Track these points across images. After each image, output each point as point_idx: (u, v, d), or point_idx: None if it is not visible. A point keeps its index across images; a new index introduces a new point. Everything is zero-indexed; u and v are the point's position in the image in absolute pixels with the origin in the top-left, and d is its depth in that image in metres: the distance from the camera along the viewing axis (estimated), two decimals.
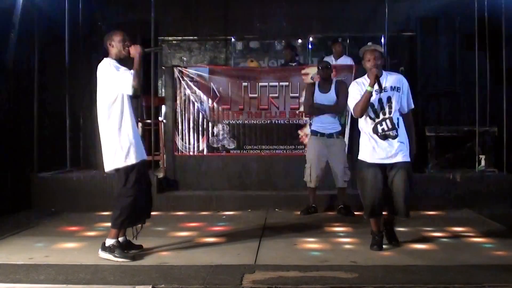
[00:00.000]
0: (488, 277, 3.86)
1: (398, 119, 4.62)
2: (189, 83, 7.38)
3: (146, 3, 7.44)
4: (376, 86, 4.53)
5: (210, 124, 7.39)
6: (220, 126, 7.39)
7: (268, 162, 7.33)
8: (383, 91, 4.59)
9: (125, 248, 4.56)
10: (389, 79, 4.65)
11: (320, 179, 6.44)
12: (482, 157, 7.29)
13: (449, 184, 6.81)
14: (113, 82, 4.43)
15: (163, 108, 8.15)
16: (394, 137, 4.58)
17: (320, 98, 6.41)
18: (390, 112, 4.59)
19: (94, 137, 8.20)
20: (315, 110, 6.47)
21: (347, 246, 4.95)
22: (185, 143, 7.38)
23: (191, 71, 7.43)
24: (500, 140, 7.20)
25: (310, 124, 6.61)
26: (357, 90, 4.66)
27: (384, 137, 4.59)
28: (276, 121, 7.37)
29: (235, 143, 7.38)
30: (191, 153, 7.39)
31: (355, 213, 6.43)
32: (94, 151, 8.30)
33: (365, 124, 4.68)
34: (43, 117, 7.35)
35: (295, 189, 6.99)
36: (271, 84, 7.37)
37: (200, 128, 7.39)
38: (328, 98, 6.38)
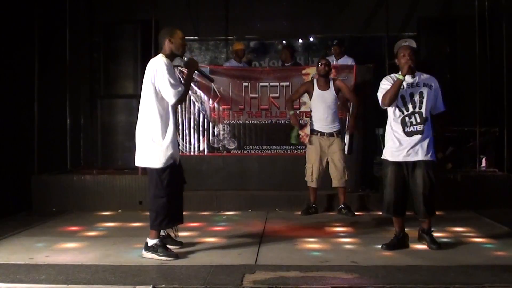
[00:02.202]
0: (488, 278, 3.86)
1: (427, 117, 4.61)
2: None
3: (146, 3, 7.45)
4: (409, 79, 4.58)
5: (210, 124, 7.39)
6: (220, 126, 7.39)
7: (269, 162, 7.32)
8: (415, 85, 4.62)
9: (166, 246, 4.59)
10: (422, 77, 4.69)
11: (321, 178, 6.44)
12: (483, 157, 7.30)
13: (449, 184, 6.81)
14: (163, 88, 4.44)
15: None
16: (421, 133, 4.57)
17: (318, 96, 6.41)
18: (420, 107, 4.60)
19: (95, 137, 8.25)
20: (289, 105, 6.73)
21: (348, 246, 4.95)
22: (186, 143, 7.38)
23: None
24: (500, 140, 7.20)
25: (311, 124, 6.60)
26: (388, 82, 4.66)
27: (410, 134, 4.59)
28: (277, 121, 7.36)
29: (236, 143, 7.38)
30: (192, 153, 7.39)
31: (356, 213, 6.45)
32: (94, 151, 8.33)
33: (393, 117, 4.67)
34: (44, 117, 7.35)
35: (296, 189, 6.98)
36: (271, 84, 7.37)
37: (200, 128, 7.39)
38: (327, 96, 6.39)
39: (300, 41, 10.02)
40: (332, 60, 8.04)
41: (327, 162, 6.45)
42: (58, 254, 4.66)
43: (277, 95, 7.36)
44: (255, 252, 4.68)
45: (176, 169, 4.57)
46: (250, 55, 10.06)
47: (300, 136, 7.30)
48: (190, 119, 7.39)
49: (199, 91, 7.38)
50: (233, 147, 7.39)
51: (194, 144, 7.39)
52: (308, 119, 7.17)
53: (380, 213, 6.60)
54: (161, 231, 4.65)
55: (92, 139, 8.66)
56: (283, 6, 9.74)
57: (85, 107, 8.84)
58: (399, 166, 4.65)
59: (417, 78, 4.66)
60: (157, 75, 4.48)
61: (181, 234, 5.47)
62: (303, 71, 7.44)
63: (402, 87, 4.60)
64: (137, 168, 7.36)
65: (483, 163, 7.27)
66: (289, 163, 7.28)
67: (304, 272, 4.02)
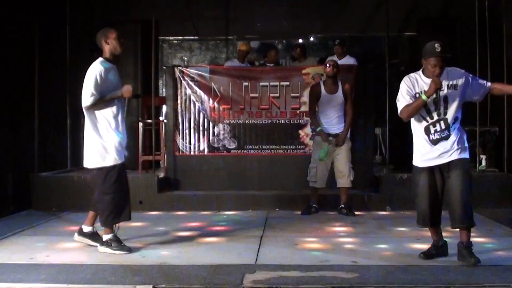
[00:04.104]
0: (488, 277, 3.86)
1: (455, 118, 4.28)
2: (190, 83, 7.38)
3: (147, 3, 7.44)
4: (432, 96, 4.21)
5: (211, 124, 7.39)
6: (220, 126, 7.38)
7: (269, 162, 7.33)
8: (439, 90, 4.22)
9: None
10: (448, 76, 4.29)
11: (325, 179, 6.41)
12: (483, 157, 7.29)
13: None
14: (83, 89, 4.59)
15: (164, 108, 8.16)
16: (446, 138, 4.25)
17: (327, 99, 6.36)
18: (445, 113, 4.26)
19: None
20: (315, 121, 6.47)
21: (348, 246, 4.95)
22: (186, 143, 7.38)
23: (192, 71, 7.43)
24: (500, 140, 7.20)
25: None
26: (407, 88, 4.32)
27: (435, 141, 4.27)
28: (277, 121, 7.36)
29: (236, 143, 7.38)
30: (192, 153, 7.39)
31: (356, 213, 6.44)
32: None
33: (417, 124, 4.37)
34: (44, 117, 7.35)
35: (296, 189, 6.99)
36: (271, 84, 7.36)
37: (201, 128, 7.39)
38: (335, 99, 6.34)
39: (300, 41, 10.02)
40: (335, 60, 8.03)
41: (332, 163, 6.41)
42: (58, 254, 4.66)
43: (277, 95, 7.35)
44: (255, 252, 4.68)
45: (121, 169, 4.72)
46: (250, 54, 10.06)
47: (300, 136, 7.31)
48: (190, 119, 7.38)
49: (199, 91, 7.38)
50: (233, 147, 7.39)
51: (194, 144, 7.39)
52: (308, 118, 7.17)
53: (381, 213, 6.66)
54: (90, 226, 4.91)
55: None
56: (283, 6, 9.75)
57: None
58: (431, 172, 4.31)
59: (442, 82, 4.23)
60: (86, 77, 4.63)
61: (181, 234, 5.49)
62: (303, 71, 7.43)
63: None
64: (137, 168, 7.41)
65: (483, 163, 7.27)
66: (289, 163, 7.28)
67: (304, 272, 4.02)
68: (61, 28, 7.50)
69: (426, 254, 4.47)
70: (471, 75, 4.39)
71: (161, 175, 7.34)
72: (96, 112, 4.64)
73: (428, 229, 4.58)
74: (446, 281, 3.81)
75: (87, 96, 4.57)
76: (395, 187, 6.89)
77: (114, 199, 4.68)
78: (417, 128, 4.38)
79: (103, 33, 4.75)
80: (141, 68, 8.22)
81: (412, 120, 4.39)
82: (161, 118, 8.07)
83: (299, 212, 6.50)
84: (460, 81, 4.29)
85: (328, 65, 6.39)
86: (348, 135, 6.47)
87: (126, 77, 8.16)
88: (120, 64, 8.10)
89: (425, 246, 4.78)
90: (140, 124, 7.51)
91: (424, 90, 4.23)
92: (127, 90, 4.68)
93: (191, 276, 3.93)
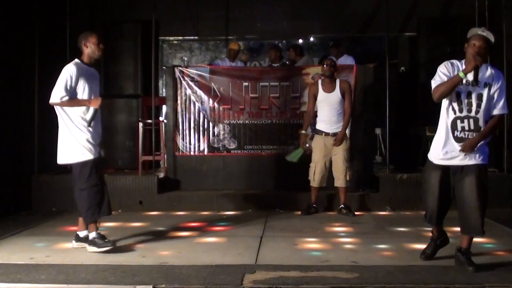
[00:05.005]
0: (488, 277, 3.87)
1: (485, 122, 4.03)
2: (190, 83, 7.38)
3: (147, 3, 7.44)
4: (470, 76, 3.95)
5: (211, 124, 7.39)
6: (220, 126, 7.39)
7: (269, 162, 7.33)
8: (476, 85, 3.98)
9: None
10: (486, 74, 4.04)
11: (325, 178, 6.42)
12: None
13: None
14: (55, 86, 4.63)
15: (164, 108, 8.16)
16: None
17: (324, 98, 6.37)
18: (477, 112, 4.01)
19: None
20: (305, 122, 6.56)
21: (348, 246, 4.95)
22: (186, 143, 7.39)
23: (192, 71, 7.43)
24: (500, 140, 7.20)
25: (315, 124, 6.54)
26: (446, 69, 4.07)
27: (459, 140, 4.04)
28: (277, 121, 7.36)
29: (236, 143, 7.38)
30: (192, 153, 7.40)
31: (356, 213, 6.45)
32: None
33: (445, 116, 4.10)
34: (44, 117, 7.35)
35: (296, 189, 6.99)
36: (271, 84, 7.37)
37: (201, 128, 7.39)
38: (332, 98, 6.33)
39: (300, 41, 10.03)
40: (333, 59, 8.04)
41: (330, 162, 6.43)
42: (58, 254, 4.66)
43: (277, 95, 7.36)
44: (255, 252, 4.68)
45: (95, 164, 4.74)
46: (247, 54, 10.07)
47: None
48: (190, 119, 7.39)
49: (199, 91, 7.38)
50: (233, 147, 7.39)
51: (194, 144, 7.39)
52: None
53: (381, 213, 6.66)
54: (84, 230, 4.89)
55: None
56: (283, 6, 9.75)
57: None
58: (444, 170, 4.12)
59: (480, 75, 3.98)
60: (60, 76, 4.68)
61: (181, 234, 5.50)
62: (303, 71, 7.44)
63: (460, 83, 4.00)
64: (137, 168, 7.41)
65: None
66: (289, 163, 7.24)
67: (304, 272, 4.02)
68: (61, 28, 7.49)
69: (428, 254, 4.44)
70: (504, 90, 4.07)
71: (161, 175, 7.34)
72: (67, 109, 4.68)
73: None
74: (446, 281, 3.81)
75: (56, 95, 4.62)
76: (395, 187, 6.90)
77: (90, 194, 4.70)
78: (444, 121, 4.12)
79: (84, 36, 4.81)
80: (141, 68, 8.21)
81: (442, 112, 4.14)
82: (161, 118, 8.07)
83: (299, 212, 6.50)
84: (495, 86, 4.03)
85: (325, 64, 6.39)
86: (348, 135, 6.46)
87: (126, 77, 8.21)
88: (120, 64, 8.19)
89: (424, 246, 4.78)
90: (140, 124, 7.51)
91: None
92: (95, 101, 4.70)
93: (191, 276, 3.93)
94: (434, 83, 4.08)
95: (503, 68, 7.22)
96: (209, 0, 9.79)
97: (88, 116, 4.71)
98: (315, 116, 6.55)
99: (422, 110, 7.88)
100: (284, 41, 10.05)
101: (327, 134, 6.37)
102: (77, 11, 7.99)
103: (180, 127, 7.38)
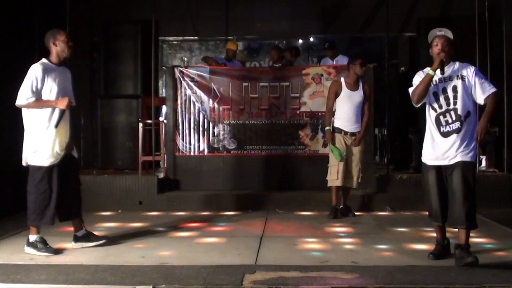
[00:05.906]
0: (488, 278, 3.86)
1: (467, 112, 4.24)
2: (190, 83, 7.38)
3: (147, 3, 7.44)
4: (438, 72, 4.23)
5: (210, 124, 7.39)
6: (220, 126, 7.39)
7: (269, 163, 7.32)
8: (448, 79, 4.26)
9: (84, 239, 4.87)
10: (455, 67, 4.31)
11: (345, 177, 6.28)
12: (483, 157, 7.29)
13: None
14: (21, 87, 4.56)
15: (164, 108, 8.16)
16: (457, 131, 4.22)
17: (347, 95, 6.24)
18: (455, 103, 4.23)
19: (95, 137, 8.25)
20: (327, 119, 6.36)
21: (348, 247, 4.95)
22: (186, 143, 7.38)
23: (191, 71, 7.43)
24: (500, 140, 7.20)
25: (333, 122, 6.37)
26: (420, 77, 4.35)
27: (446, 134, 4.26)
28: (277, 121, 7.36)
29: (236, 143, 7.38)
30: (192, 153, 7.40)
31: (356, 213, 6.44)
32: (94, 151, 8.32)
33: (428, 117, 4.38)
34: None
35: (296, 190, 6.99)
36: (271, 84, 7.37)
37: (200, 128, 7.39)
38: (356, 97, 6.25)
39: (300, 41, 10.03)
40: (329, 61, 8.04)
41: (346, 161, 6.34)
42: (58, 254, 4.66)
43: (277, 95, 7.36)
44: (255, 252, 4.68)
45: (49, 172, 4.63)
46: (246, 54, 10.07)
47: (300, 136, 7.31)
48: (190, 120, 7.38)
49: (199, 91, 7.38)
50: (233, 147, 7.39)
51: (194, 144, 7.39)
52: (308, 119, 7.18)
53: (381, 213, 6.67)
54: (83, 228, 4.94)
55: (92, 139, 8.66)
56: (283, 6, 9.76)
57: (85, 107, 8.85)
58: (438, 169, 4.33)
59: (450, 70, 4.28)
60: (25, 78, 4.60)
61: (181, 234, 5.50)
62: (303, 71, 7.44)
63: (433, 82, 4.28)
64: (137, 168, 7.41)
65: (483, 163, 7.26)
66: (289, 163, 7.28)
67: (304, 272, 4.02)
68: (61, 28, 7.49)
69: (436, 254, 4.44)
70: (481, 75, 4.32)
71: (161, 175, 7.34)
72: (33, 110, 4.60)
73: (432, 227, 4.61)
74: (446, 281, 3.80)
75: (22, 97, 4.55)
76: (395, 187, 6.90)
77: (36, 199, 4.61)
78: (428, 122, 4.39)
79: (52, 34, 4.70)
80: (141, 68, 8.22)
81: (426, 112, 4.40)
82: (161, 119, 8.07)
83: (299, 212, 6.47)
84: (469, 74, 4.26)
85: (359, 64, 6.22)
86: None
87: (126, 78, 8.22)
88: (120, 64, 8.19)
89: (425, 246, 4.79)
90: (140, 124, 7.51)
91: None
92: (62, 102, 4.57)
93: (191, 277, 3.93)
94: (411, 89, 4.38)
95: (503, 68, 7.24)
96: (209, 0, 9.79)
97: (55, 117, 4.60)
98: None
99: (422, 110, 7.87)
100: (284, 41, 10.05)
101: (346, 133, 6.27)
102: (77, 11, 7.99)
103: (180, 127, 7.38)
